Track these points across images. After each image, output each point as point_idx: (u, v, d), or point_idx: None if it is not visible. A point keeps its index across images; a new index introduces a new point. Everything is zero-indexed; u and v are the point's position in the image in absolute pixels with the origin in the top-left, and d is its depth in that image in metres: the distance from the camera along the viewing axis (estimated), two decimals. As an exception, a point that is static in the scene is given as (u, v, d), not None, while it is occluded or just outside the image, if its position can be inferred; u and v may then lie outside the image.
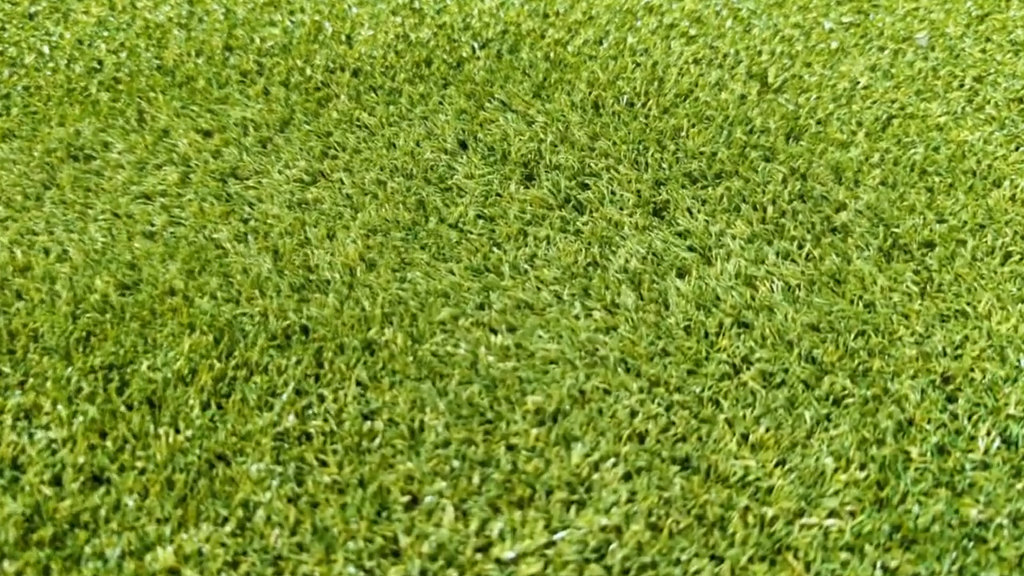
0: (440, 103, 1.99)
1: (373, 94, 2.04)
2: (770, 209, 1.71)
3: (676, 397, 1.43)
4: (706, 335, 1.51)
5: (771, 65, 2.05)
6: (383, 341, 1.53)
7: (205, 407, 1.45)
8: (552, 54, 2.09)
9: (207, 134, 1.97)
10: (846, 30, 2.15)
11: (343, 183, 1.83)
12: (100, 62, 2.19)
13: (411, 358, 1.50)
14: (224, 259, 1.69)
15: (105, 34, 2.27)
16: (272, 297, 1.61)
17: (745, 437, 1.38)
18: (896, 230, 1.66)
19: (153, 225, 1.77)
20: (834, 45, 2.09)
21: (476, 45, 2.13)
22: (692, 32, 2.15)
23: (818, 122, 1.90)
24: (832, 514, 1.29)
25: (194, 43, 2.22)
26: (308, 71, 2.10)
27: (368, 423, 1.41)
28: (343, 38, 2.20)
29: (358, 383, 1.47)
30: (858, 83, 2.00)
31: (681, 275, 1.61)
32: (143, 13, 2.32)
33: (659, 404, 1.42)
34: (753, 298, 1.56)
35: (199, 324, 1.57)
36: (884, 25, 2.15)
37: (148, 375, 1.50)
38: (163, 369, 1.50)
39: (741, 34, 2.14)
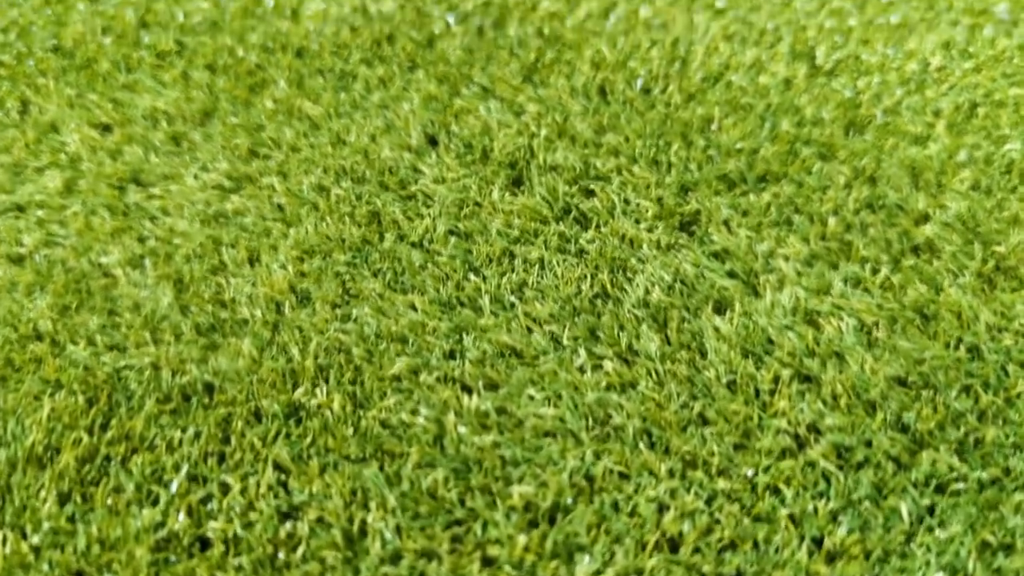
0: (404, 89, 1.80)
1: (320, 78, 1.85)
2: (832, 222, 1.48)
3: (720, 484, 1.17)
4: (757, 394, 1.28)
5: (820, 43, 1.87)
6: (314, 405, 1.28)
7: (64, 500, 1.18)
8: (547, 29, 1.93)
9: (106, 129, 1.77)
10: (908, 2, 1.99)
11: (274, 190, 1.61)
12: (-16, 43, 1.91)
13: (352, 430, 1.25)
14: (111, 291, 1.45)
15: (-5, 11, 2.01)
16: (169, 344, 1.36)
17: (818, 542, 1.13)
18: (998, 248, 1.43)
19: (22, 246, 1.53)
20: (895, 19, 1.94)
21: (451, 19, 1.98)
22: (720, 3, 2.00)
23: (884, 111, 1.71)
24: (954, 663, 1.05)
25: (102, 18, 2.04)
26: (240, 51, 1.93)
27: (288, 524, 1.17)
28: (287, 12, 2.04)
29: (277, 466, 1.22)
30: (929, 64, 1.81)
31: (720, 310, 1.39)
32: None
33: (697, 495, 1.17)
34: (817, 341, 1.32)
35: (68, 381, 1.31)
36: (954, -4, 1.97)
37: (-11, 454, 1.24)
38: (11, 445, 1.24)
39: (780, 6, 1.99)
